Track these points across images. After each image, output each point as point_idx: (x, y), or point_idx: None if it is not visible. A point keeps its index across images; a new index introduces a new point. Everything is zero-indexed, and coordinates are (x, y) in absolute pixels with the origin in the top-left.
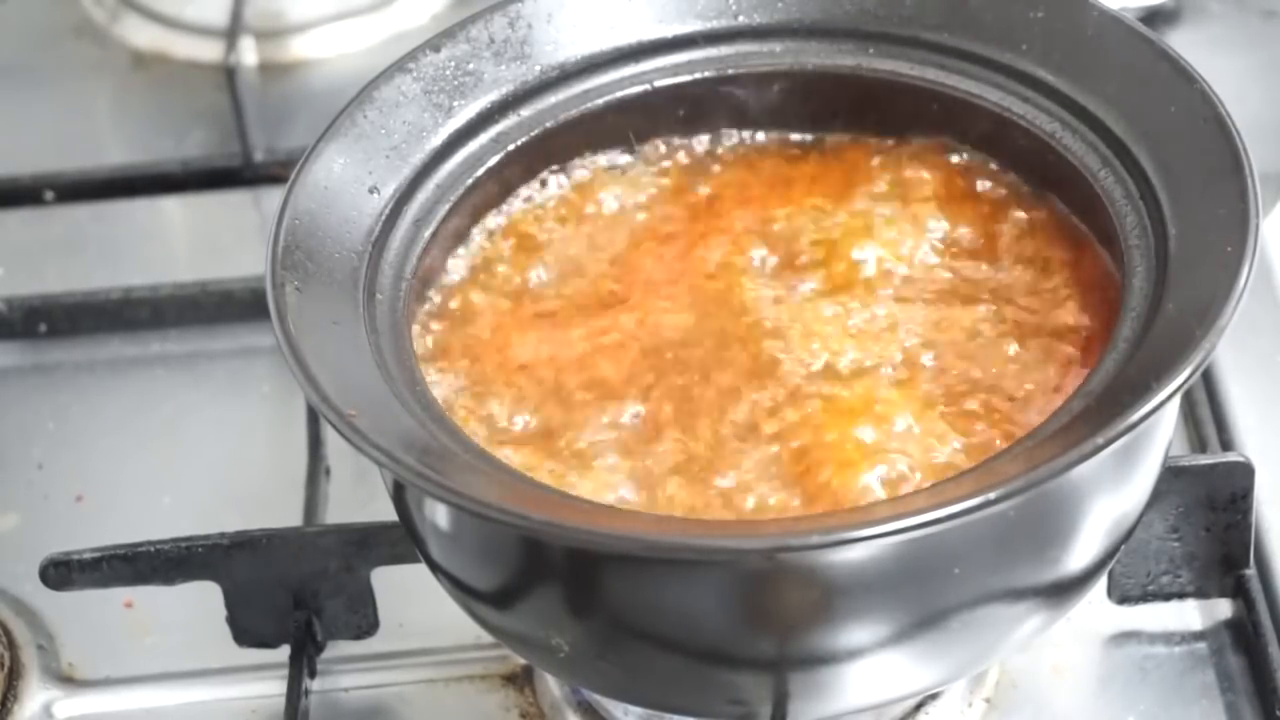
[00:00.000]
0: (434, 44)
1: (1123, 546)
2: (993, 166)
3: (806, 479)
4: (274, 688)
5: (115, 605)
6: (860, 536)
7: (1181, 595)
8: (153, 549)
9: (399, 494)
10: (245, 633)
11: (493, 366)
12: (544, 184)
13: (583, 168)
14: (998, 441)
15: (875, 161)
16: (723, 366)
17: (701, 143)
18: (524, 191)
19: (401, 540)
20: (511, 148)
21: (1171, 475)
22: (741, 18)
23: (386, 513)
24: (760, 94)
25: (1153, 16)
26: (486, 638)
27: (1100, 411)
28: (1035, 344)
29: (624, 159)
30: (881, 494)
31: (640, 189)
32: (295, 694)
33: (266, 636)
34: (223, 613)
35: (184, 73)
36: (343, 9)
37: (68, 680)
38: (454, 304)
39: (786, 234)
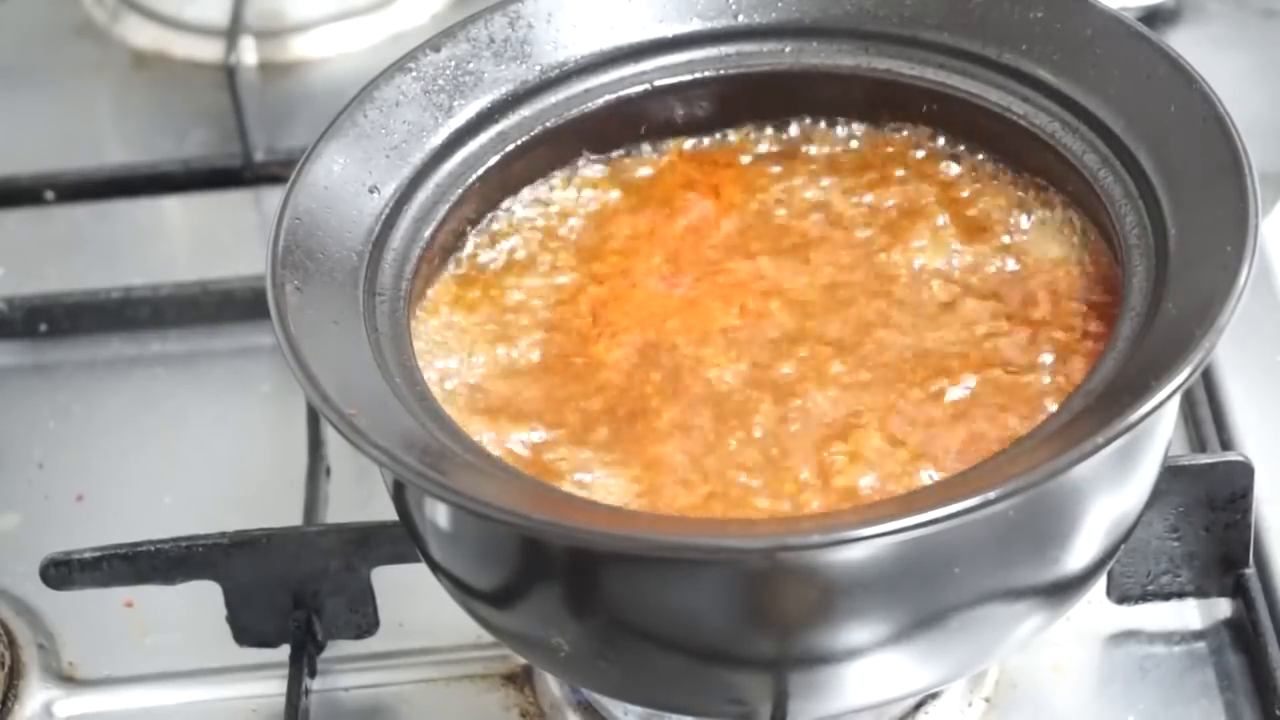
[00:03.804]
0: (434, 44)
1: (1122, 546)
2: (992, 167)
3: None
4: (274, 687)
5: (115, 605)
6: (860, 536)
7: (1181, 595)
8: (153, 549)
9: (399, 494)
10: (245, 632)
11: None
12: (545, 183)
13: (584, 166)
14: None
15: (873, 160)
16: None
17: (701, 142)
18: (525, 191)
19: (401, 540)
20: (511, 148)
21: (1171, 475)
22: (741, 18)
23: (386, 512)
24: (760, 94)
25: (1153, 16)
26: (486, 638)
27: (1100, 411)
28: (1033, 342)
29: (623, 159)
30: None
31: (639, 188)
32: (295, 694)
33: (266, 636)
34: (223, 612)
35: (184, 73)
36: (343, 9)
37: (68, 680)
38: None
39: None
